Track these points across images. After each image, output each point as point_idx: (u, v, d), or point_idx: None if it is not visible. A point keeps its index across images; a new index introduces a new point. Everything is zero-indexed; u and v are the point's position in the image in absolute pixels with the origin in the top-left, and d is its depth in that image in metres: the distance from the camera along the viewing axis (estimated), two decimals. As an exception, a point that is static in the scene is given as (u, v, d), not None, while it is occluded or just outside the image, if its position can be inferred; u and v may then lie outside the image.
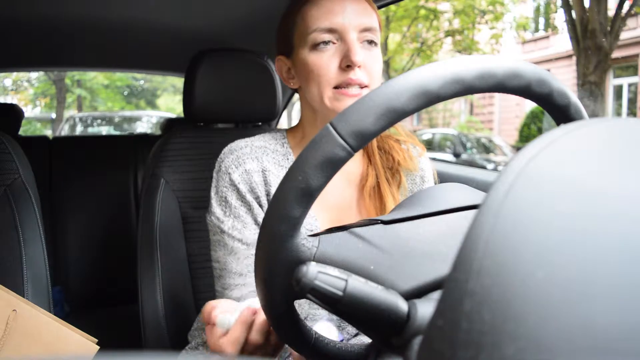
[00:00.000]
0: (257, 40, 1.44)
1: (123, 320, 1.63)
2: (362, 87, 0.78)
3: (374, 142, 0.88)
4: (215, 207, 0.84)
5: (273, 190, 0.82)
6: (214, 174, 0.86)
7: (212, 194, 0.85)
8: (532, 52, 11.51)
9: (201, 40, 1.50)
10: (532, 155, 0.24)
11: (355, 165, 0.88)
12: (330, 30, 0.77)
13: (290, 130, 0.91)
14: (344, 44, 0.77)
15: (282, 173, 0.84)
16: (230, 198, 0.83)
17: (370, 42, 0.79)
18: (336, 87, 0.78)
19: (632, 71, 9.31)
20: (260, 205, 0.83)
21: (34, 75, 12.94)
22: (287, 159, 0.86)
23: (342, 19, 0.76)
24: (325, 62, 0.77)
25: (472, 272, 0.20)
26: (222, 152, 0.86)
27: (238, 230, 0.82)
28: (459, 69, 0.39)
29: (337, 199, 0.86)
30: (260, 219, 0.83)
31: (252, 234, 0.82)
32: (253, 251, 0.82)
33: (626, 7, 6.67)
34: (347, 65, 0.75)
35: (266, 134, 0.90)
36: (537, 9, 11.32)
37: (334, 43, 0.77)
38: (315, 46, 0.78)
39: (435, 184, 0.93)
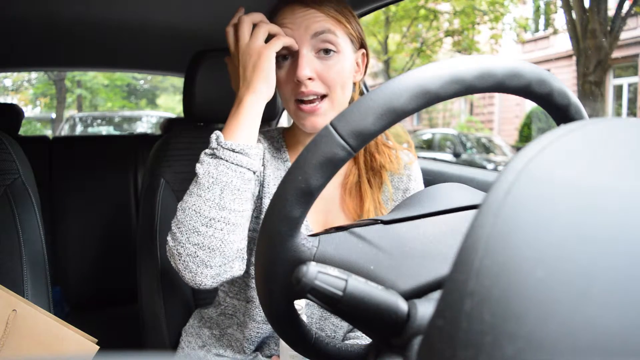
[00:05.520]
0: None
1: (123, 320, 1.63)
2: (321, 98, 0.80)
3: None
4: None
5: (268, 172, 0.87)
6: None
7: None
8: (532, 52, 11.51)
9: (201, 40, 1.51)
10: (532, 155, 0.24)
11: None
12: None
13: (287, 129, 0.95)
14: (295, 59, 0.79)
15: (275, 163, 0.89)
16: None
17: (327, 51, 0.79)
18: (297, 101, 0.81)
19: (632, 71, 9.30)
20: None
21: (34, 75, 12.94)
22: (280, 151, 0.91)
23: (291, 31, 0.79)
24: (284, 77, 0.81)
25: (472, 272, 0.20)
26: None
27: None
28: (459, 69, 0.39)
29: (322, 194, 0.87)
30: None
31: None
32: None
33: (626, 7, 6.67)
34: (297, 79, 0.78)
35: (260, 133, 0.93)
36: (537, 10, 11.32)
37: (291, 57, 0.81)
38: (275, 62, 0.81)
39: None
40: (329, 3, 0.81)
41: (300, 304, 0.72)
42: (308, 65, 0.78)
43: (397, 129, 0.95)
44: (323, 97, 0.80)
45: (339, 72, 0.80)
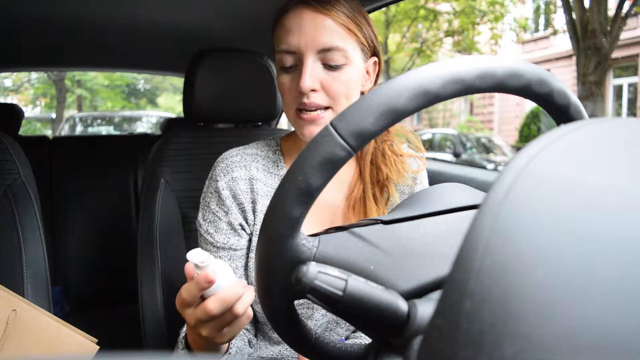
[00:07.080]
0: (257, 40, 1.44)
1: (123, 320, 1.63)
2: (324, 109, 0.78)
3: (368, 154, 0.87)
4: (200, 211, 0.88)
5: (259, 199, 0.84)
6: (206, 181, 0.89)
7: (201, 199, 0.88)
8: (532, 52, 11.51)
9: (201, 40, 1.50)
10: (532, 155, 0.24)
11: (347, 171, 0.88)
12: (289, 52, 0.77)
13: (286, 137, 0.92)
14: (300, 67, 0.77)
15: (270, 180, 0.86)
16: (212, 203, 0.85)
17: (331, 65, 0.76)
18: (298, 109, 0.78)
19: (632, 71, 9.31)
20: (244, 211, 0.85)
21: (34, 75, 12.95)
22: (277, 165, 0.88)
23: (297, 39, 0.76)
24: (287, 85, 0.79)
25: (472, 272, 0.20)
26: (216, 160, 0.88)
27: (210, 234, 0.85)
28: (459, 69, 0.39)
29: (325, 201, 0.86)
30: (237, 224, 0.85)
31: (222, 237, 0.84)
32: (222, 254, 0.85)
33: (626, 7, 6.67)
34: (299, 90, 0.76)
35: (261, 142, 0.92)
36: (537, 9, 11.32)
37: (296, 66, 0.78)
38: (281, 68, 0.80)
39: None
40: (341, 8, 0.76)
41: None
42: (311, 77, 0.75)
43: (408, 135, 0.91)
44: (326, 108, 0.78)
45: (344, 83, 0.77)
